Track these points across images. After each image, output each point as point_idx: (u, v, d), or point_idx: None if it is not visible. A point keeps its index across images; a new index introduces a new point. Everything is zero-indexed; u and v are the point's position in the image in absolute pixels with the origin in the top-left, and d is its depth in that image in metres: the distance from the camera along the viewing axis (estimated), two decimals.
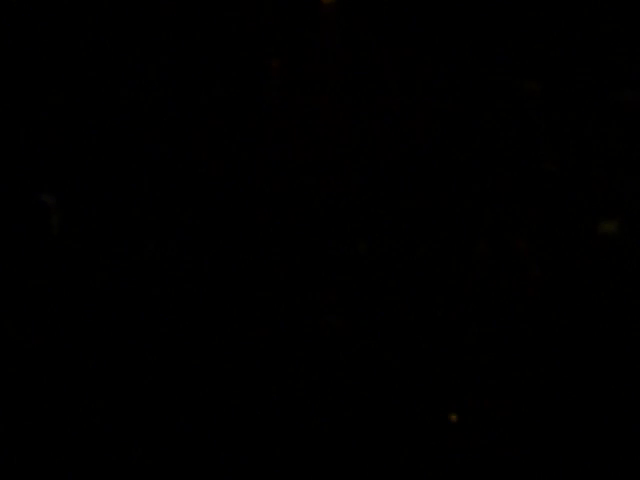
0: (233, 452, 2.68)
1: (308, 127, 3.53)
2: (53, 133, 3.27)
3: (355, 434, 2.83)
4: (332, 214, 3.37)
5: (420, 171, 3.54)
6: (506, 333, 3.11)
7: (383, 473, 2.76)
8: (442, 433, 2.95)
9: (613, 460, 2.72)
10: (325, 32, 3.66)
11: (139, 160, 3.29)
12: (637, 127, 3.59)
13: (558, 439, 2.89)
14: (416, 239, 3.37)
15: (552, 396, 3.03)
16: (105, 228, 3.14)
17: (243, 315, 3.11)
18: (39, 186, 3.13)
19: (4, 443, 2.54)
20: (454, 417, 3.03)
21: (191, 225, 3.22)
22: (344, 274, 3.22)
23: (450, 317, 3.27)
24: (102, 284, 2.99)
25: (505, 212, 3.27)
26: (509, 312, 3.13)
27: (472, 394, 3.04)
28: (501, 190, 3.41)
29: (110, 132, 3.32)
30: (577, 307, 3.38)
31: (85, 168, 3.26)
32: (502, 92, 3.69)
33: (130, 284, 3.02)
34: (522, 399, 3.00)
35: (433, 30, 3.72)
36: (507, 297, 3.15)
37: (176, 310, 3.00)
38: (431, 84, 3.70)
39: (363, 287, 3.22)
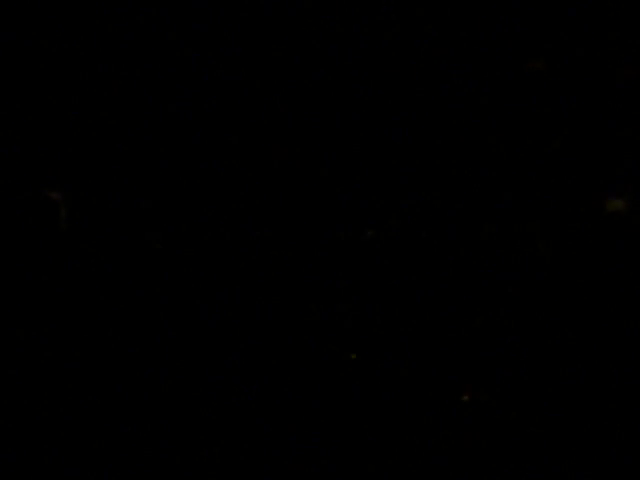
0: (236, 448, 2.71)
1: (312, 118, 3.54)
2: (58, 129, 3.29)
3: (365, 422, 2.85)
4: (339, 202, 3.39)
5: (425, 155, 3.55)
6: (516, 316, 3.12)
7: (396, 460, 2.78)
8: (453, 418, 2.97)
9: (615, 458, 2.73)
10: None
11: (145, 155, 3.31)
12: None
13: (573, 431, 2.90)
14: (422, 224, 3.39)
15: (565, 382, 3.04)
16: (112, 224, 3.17)
17: (248, 304, 3.13)
18: (46, 182, 3.15)
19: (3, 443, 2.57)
20: (467, 397, 3.05)
21: (198, 217, 3.24)
22: (351, 260, 3.25)
23: (458, 302, 3.28)
24: (109, 279, 3.01)
25: (511, 194, 3.26)
26: (518, 295, 3.13)
27: (482, 382, 3.05)
28: (507, 172, 3.41)
29: (116, 127, 3.34)
30: (587, 288, 3.38)
31: (91, 164, 3.27)
32: (506, 71, 3.68)
33: (138, 279, 3.04)
34: (535, 387, 3.01)
35: (438, 11, 3.71)
36: (516, 279, 3.15)
37: (180, 307, 3.03)
38: (437, 65, 3.70)
39: (370, 273, 3.24)
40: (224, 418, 2.76)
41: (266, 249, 3.25)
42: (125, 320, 2.93)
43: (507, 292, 3.13)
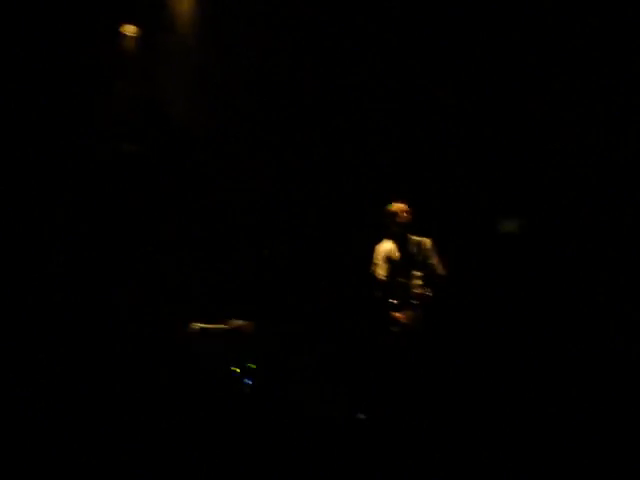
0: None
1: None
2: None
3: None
4: (242, 227, 3.70)
5: (320, 187, 3.82)
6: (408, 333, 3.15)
7: None
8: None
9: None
10: None
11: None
12: (539, 135, 3.78)
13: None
14: (307, 245, 3.67)
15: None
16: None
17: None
18: None
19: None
20: (362, 416, 3.14)
21: None
22: (252, 273, 3.56)
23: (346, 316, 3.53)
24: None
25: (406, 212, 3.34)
26: (414, 312, 3.14)
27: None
28: (410, 193, 3.57)
29: None
30: (481, 305, 3.53)
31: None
32: (423, 103, 3.89)
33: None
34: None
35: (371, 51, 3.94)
36: (412, 297, 3.14)
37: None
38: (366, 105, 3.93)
39: (267, 284, 3.55)
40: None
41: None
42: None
43: (406, 308, 3.14)
